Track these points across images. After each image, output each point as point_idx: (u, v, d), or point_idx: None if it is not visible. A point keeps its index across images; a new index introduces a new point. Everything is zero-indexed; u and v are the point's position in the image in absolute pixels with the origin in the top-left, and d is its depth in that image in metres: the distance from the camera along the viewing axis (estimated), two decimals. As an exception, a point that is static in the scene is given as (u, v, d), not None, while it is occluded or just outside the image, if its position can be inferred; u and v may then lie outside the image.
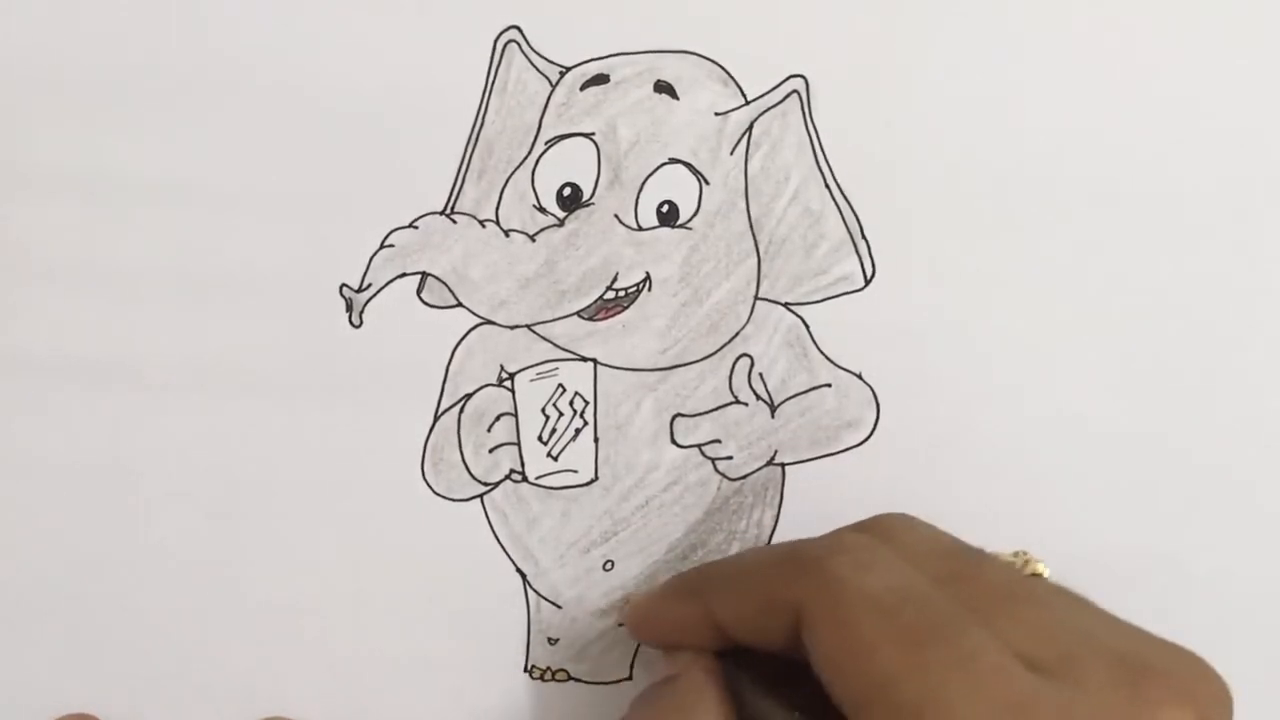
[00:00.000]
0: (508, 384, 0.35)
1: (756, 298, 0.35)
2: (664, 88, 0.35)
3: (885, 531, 0.30)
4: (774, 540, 0.35)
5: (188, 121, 0.35)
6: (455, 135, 0.35)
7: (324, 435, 0.35)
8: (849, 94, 0.35)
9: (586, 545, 0.35)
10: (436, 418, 0.35)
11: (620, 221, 0.35)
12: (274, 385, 0.35)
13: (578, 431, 0.35)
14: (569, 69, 0.35)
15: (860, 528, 0.31)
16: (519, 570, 0.35)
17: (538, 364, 0.35)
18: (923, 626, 0.26)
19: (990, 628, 0.26)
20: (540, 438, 0.35)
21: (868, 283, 0.35)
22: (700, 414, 0.35)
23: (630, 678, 0.36)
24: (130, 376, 0.35)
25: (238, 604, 0.35)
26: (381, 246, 0.34)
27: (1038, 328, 0.35)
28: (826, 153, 0.35)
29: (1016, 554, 0.31)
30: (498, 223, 0.35)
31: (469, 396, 0.35)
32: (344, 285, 0.35)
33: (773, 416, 0.35)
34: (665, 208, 0.35)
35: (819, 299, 0.35)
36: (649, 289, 0.35)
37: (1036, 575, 0.31)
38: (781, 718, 0.29)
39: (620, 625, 0.35)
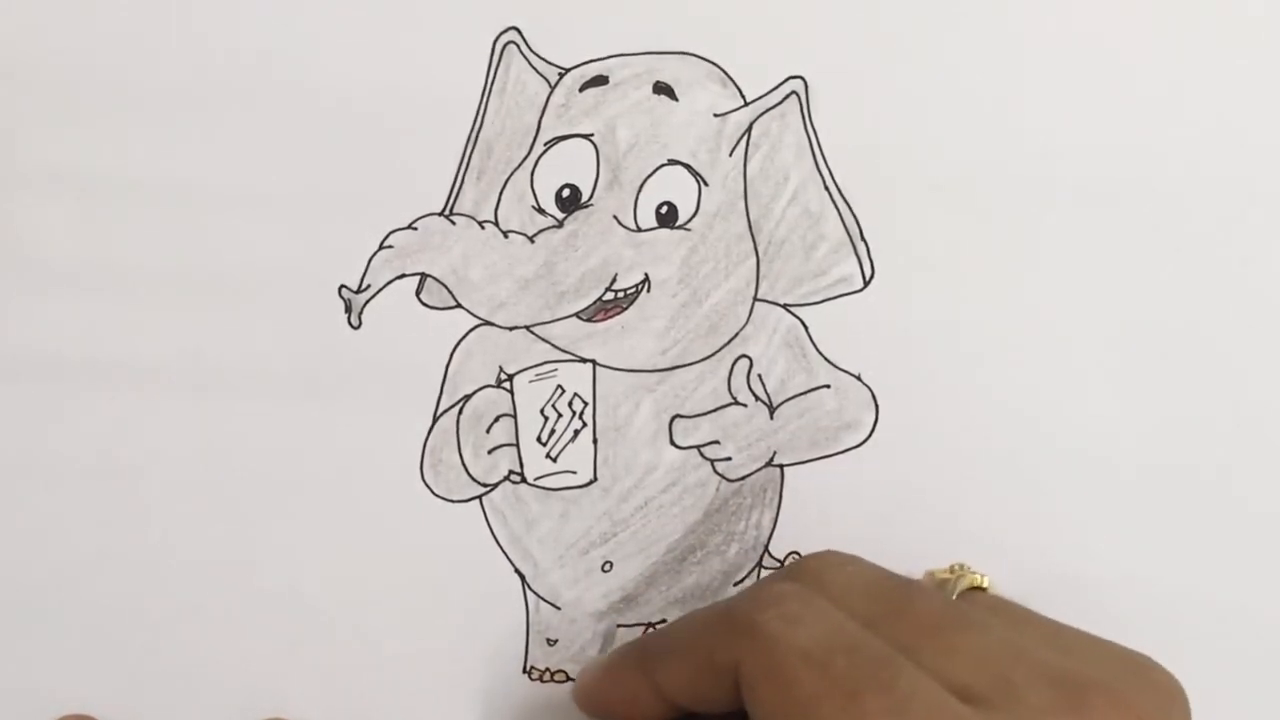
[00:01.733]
0: (507, 385, 0.35)
1: (755, 299, 0.35)
2: (663, 89, 0.35)
3: (814, 574, 0.30)
4: (772, 542, 0.35)
5: (188, 121, 0.35)
6: (454, 136, 0.35)
7: (323, 436, 0.35)
8: (848, 95, 0.35)
9: (585, 546, 0.35)
10: (435, 419, 0.35)
11: (619, 223, 0.35)
12: (274, 385, 0.35)
13: (577, 433, 0.35)
14: (568, 70, 0.35)
15: (788, 574, 0.31)
16: (518, 571, 0.35)
17: (537, 365, 0.35)
18: (856, 675, 0.26)
19: (925, 663, 0.26)
20: (539, 439, 0.35)
21: (867, 284, 0.35)
22: (699, 415, 0.35)
23: (629, 678, 0.36)
24: (130, 376, 0.35)
25: (237, 604, 0.35)
26: (380, 247, 0.34)
27: (1037, 329, 0.35)
28: (826, 154, 0.35)
29: (953, 568, 0.31)
30: (497, 224, 0.35)
31: (468, 397, 0.35)
32: (343, 286, 0.35)
33: (772, 418, 0.35)
34: (664, 209, 0.35)
35: (818, 300, 0.35)
36: (648, 290, 0.35)
37: (976, 588, 0.31)
38: None
39: (620, 626, 0.35)
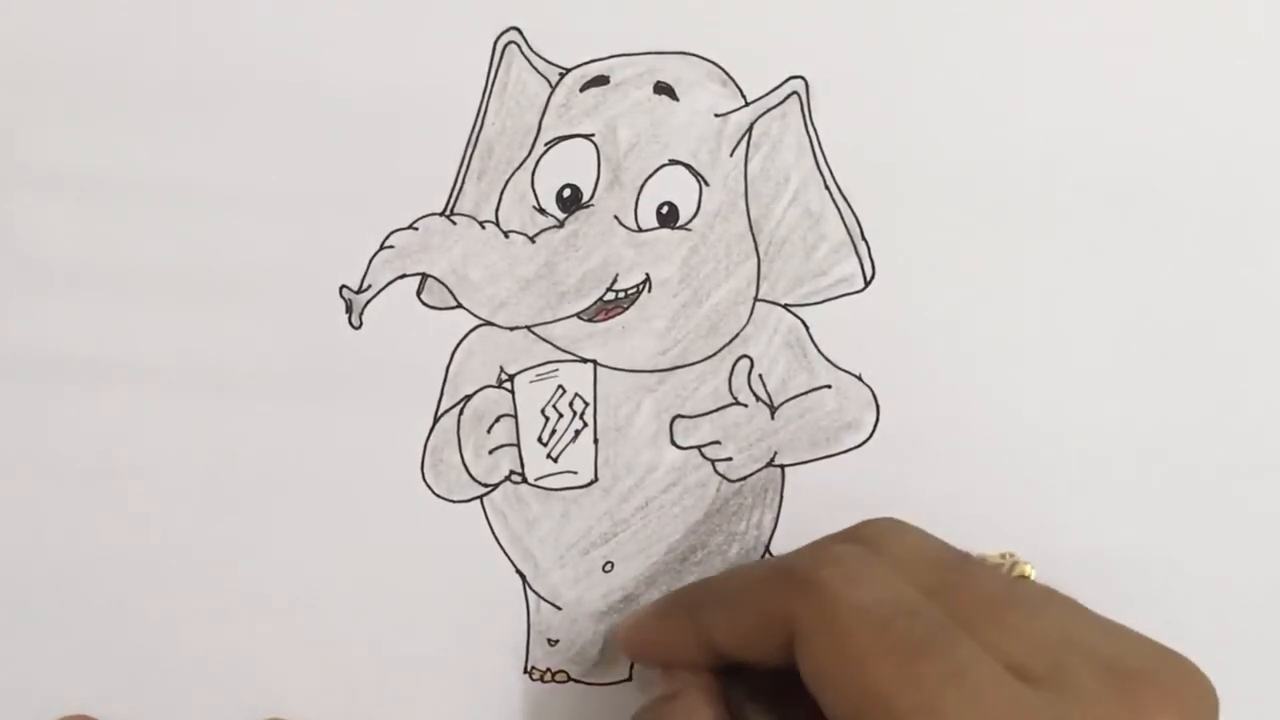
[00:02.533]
0: (507, 385, 0.35)
1: (756, 299, 0.35)
2: (664, 89, 0.35)
3: (874, 539, 0.30)
4: (773, 542, 0.35)
5: (188, 121, 0.35)
6: (455, 136, 0.35)
7: (324, 436, 0.35)
8: (849, 95, 0.35)
9: (586, 546, 0.35)
10: (436, 419, 0.35)
11: (620, 223, 0.35)
12: (274, 386, 0.35)
13: (577, 433, 0.35)
14: (569, 70, 0.35)
15: (849, 536, 0.31)
16: (519, 571, 0.35)
17: (537, 365, 0.35)
18: (915, 639, 0.26)
19: (981, 638, 0.26)
20: (540, 439, 0.35)
21: (868, 284, 0.35)
22: (700, 415, 0.35)
23: (630, 679, 0.36)
24: (130, 376, 0.35)
25: (238, 604, 0.35)
26: (381, 248, 0.34)
27: (1038, 329, 0.35)
28: (826, 154, 0.35)
29: (1004, 555, 0.31)
30: (497, 224, 0.35)
31: (469, 398, 0.35)
32: (344, 286, 0.35)
33: (772, 418, 0.35)
34: (665, 209, 0.35)
35: (819, 300, 0.35)
36: (649, 290, 0.35)
37: (1023, 577, 0.31)
38: None
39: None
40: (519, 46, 0.34)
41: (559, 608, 0.35)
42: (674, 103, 0.35)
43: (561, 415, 0.35)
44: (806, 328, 0.35)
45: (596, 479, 0.35)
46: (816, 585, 0.28)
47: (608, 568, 0.35)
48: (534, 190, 0.35)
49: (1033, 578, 0.31)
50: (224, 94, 0.35)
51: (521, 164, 0.35)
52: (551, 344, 0.35)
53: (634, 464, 0.35)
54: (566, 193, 0.35)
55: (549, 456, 0.35)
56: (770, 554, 0.35)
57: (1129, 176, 0.35)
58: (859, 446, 0.35)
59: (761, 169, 0.35)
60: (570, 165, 0.35)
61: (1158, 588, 0.35)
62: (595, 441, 0.35)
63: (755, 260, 0.35)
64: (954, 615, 0.27)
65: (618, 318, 0.35)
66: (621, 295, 0.35)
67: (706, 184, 0.35)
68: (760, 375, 0.35)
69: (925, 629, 0.26)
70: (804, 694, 0.28)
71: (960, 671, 0.26)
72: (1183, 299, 0.35)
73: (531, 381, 0.35)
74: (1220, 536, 0.35)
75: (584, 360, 0.35)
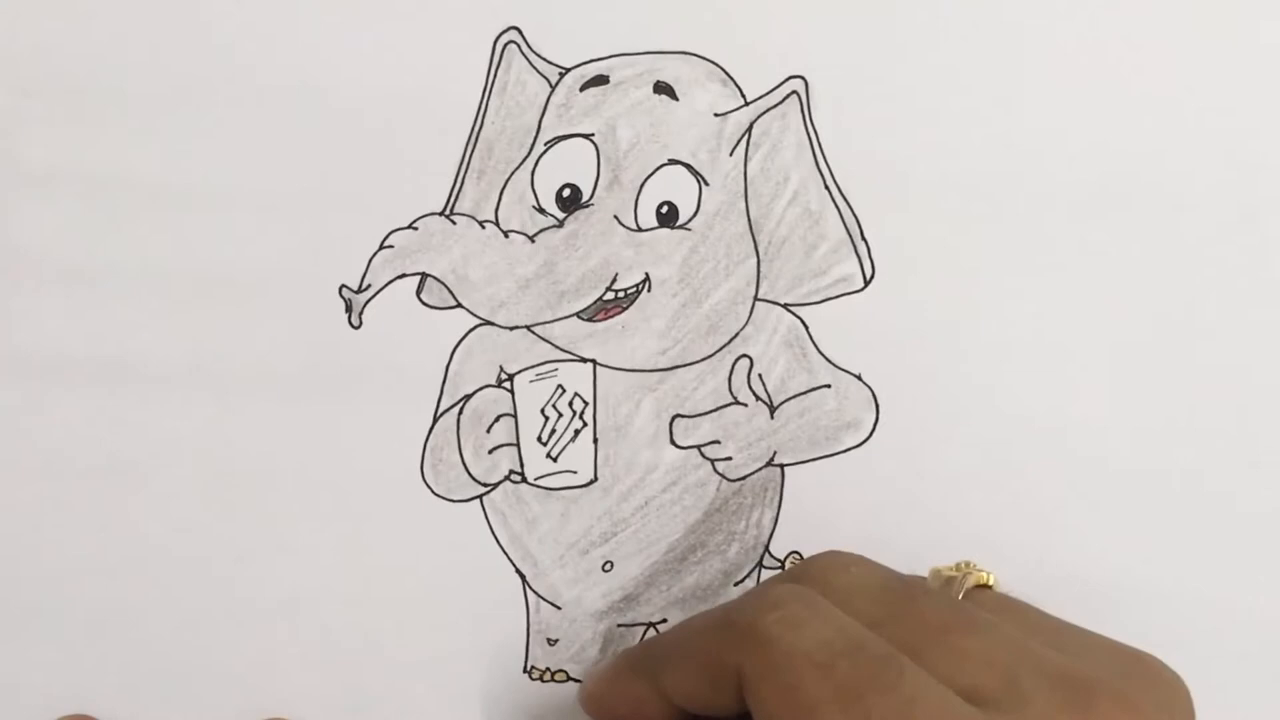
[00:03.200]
0: (507, 385, 0.35)
1: (756, 298, 0.35)
2: (663, 89, 0.35)
3: (818, 576, 0.30)
4: (773, 541, 0.35)
5: (188, 122, 0.35)
6: (455, 136, 0.35)
7: (324, 435, 0.35)
8: (849, 95, 0.35)
9: (586, 546, 0.35)
10: (436, 418, 0.35)
11: (620, 222, 0.35)
12: (274, 385, 0.35)
13: (577, 432, 0.35)
14: (568, 70, 0.35)
15: (792, 575, 0.31)
16: (518, 571, 0.35)
17: (537, 365, 0.35)
18: (860, 677, 0.26)
19: (931, 665, 0.26)
20: (540, 438, 0.35)
21: (867, 283, 0.35)
22: (700, 415, 0.35)
23: (629, 678, 0.36)
24: (130, 376, 0.35)
25: (238, 604, 0.35)
26: (381, 247, 0.34)
27: (1038, 328, 0.35)
28: (826, 153, 0.35)
29: (959, 565, 0.31)
30: (497, 223, 0.35)
31: (468, 397, 0.35)
32: (343, 286, 0.35)
33: (772, 417, 0.35)
34: (665, 209, 0.35)
35: (819, 300, 0.35)
36: (648, 290, 0.35)
37: (982, 585, 0.31)
38: None
39: (620, 626, 0.35)
40: (519, 46, 0.34)
41: (558, 607, 0.35)
42: (674, 102, 0.35)
43: (561, 415, 0.35)
44: (806, 327, 0.35)
45: (596, 478, 0.35)
46: (757, 633, 0.28)
47: (607, 567, 0.35)
48: (534, 190, 0.35)
49: (992, 583, 0.31)
50: (224, 94, 0.35)
51: (521, 163, 0.35)
52: (551, 343, 0.35)
53: (634, 463, 0.35)
54: (566, 192, 0.35)
55: (549, 456, 0.35)
56: (770, 553, 0.35)
57: (1129, 176, 0.35)
58: (858, 446, 0.35)
59: (761, 169, 0.35)
60: (570, 165, 0.35)
61: (1158, 587, 0.35)
62: (595, 441, 0.35)
63: (755, 260, 0.35)
64: (902, 644, 0.27)
65: (617, 317, 0.35)
66: (621, 295, 0.35)
67: (706, 184, 0.35)
68: (760, 375, 0.35)
69: (868, 665, 0.26)
70: None
71: (908, 704, 0.25)
72: (1183, 299, 0.35)
73: (531, 381, 0.35)
74: (1220, 536, 0.35)
75: (584, 360, 0.35)
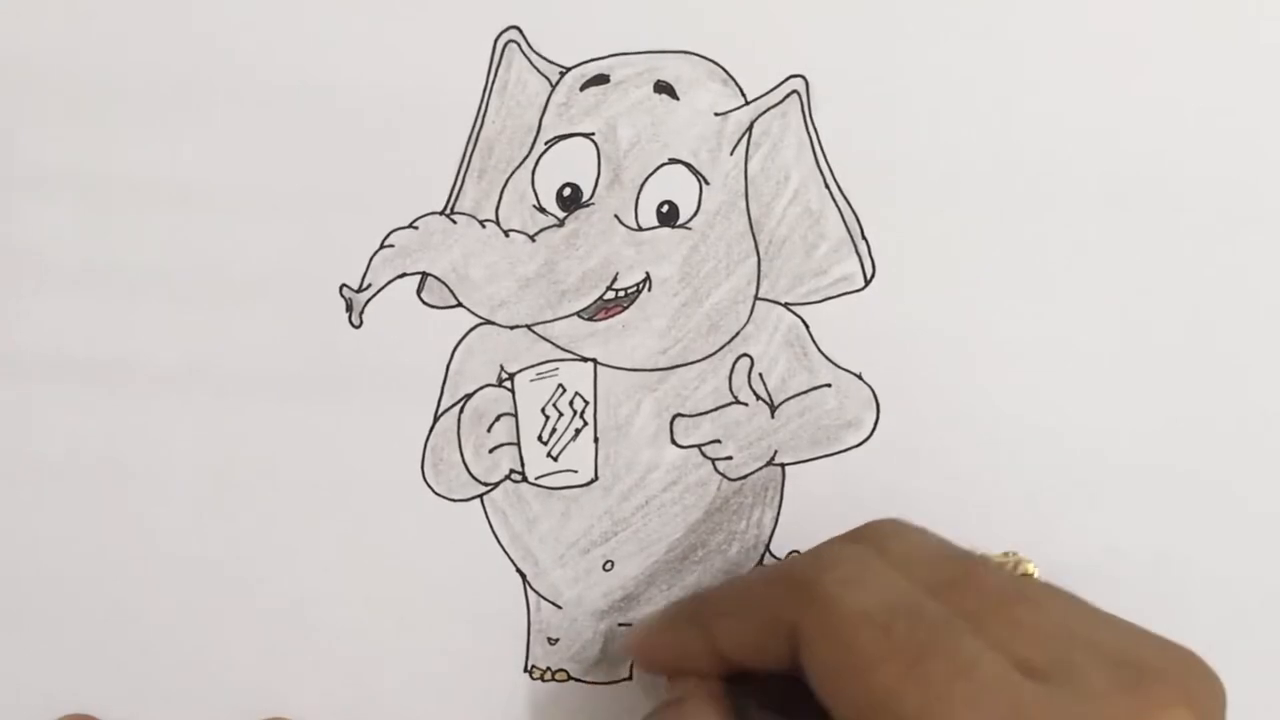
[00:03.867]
0: (508, 384, 0.35)
1: (756, 298, 0.35)
2: (664, 88, 0.35)
3: (877, 540, 0.30)
4: (773, 541, 0.35)
5: (188, 121, 0.35)
6: (455, 135, 0.35)
7: (324, 435, 0.35)
8: (849, 94, 0.35)
9: (586, 545, 0.35)
10: (436, 418, 0.35)
11: (620, 222, 0.35)
12: (274, 385, 0.35)
13: (578, 431, 0.35)
14: (569, 69, 0.35)
15: (851, 537, 0.31)
16: (519, 570, 0.35)
17: (538, 364, 0.35)
18: (918, 639, 0.26)
19: (987, 635, 0.26)
20: (540, 438, 0.35)
21: (868, 283, 0.35)
22: (700, 414, 0.35)
23: (630, 678, 0.36)
24: (130, 376, 0.35)
25: (238, 604, 0.35)
26: (381, 246, 0.34)
27: (1038, 328, 0.35)
28: (826, 153, 0.35)
29: (1006, 554, 0.31)
30: (498, 223, 0.35)
31: (469, 396, 0.35)
32: (344, 285, 0.35)
33: (773, 416, 0.35)
34: (665, 208, 0.35)
35: (819, 299, 0.35)
36: (649, 289, 0.35)
37: (1026, 575, 0.31)
38: None
39: (621, 625, 0.35)
40: (519, 45, 0.34)
41: (559, 607, 0.35)
42: (674, 102, 0.35)
43: (561, 414, 0.35)
44: (806, 326, 0.35)
45: (597, 478, 0.35)
46: (817, 591, 0.28)
47: (608, 566, 0.35)
48: (534, 189, 0.35)
49: (1036, 576, 0.31)
50: (224, 94, 0.35)
51: (522, 163, 0.35)
52: (552, 343, 0.35)
53: (634, 463, 0.35)
54: (567, 191, 0.35)
55: (549, 455, 0.35)
56: (770, 552, 0.35)
57: (1128, 176, 0.35)
58: (859, 445, 0.35)
59: (762, 168, 0.35)
60: (570, 164, 0.35)
61: (1157, 587, 0.35)
62: (595, 440, 0.35)
63: (755, 259, 0.35)
64: (958, 612, 0.27)
65: (618, 316, 0.35)
66: (621, 294, 0.35)
67: (707, 183, 0.35)
68: (760, 374, 0.35)
69: (928, 628, 0.26)
70: (809, 697, 0.28)
71: (966, 669, 0.25)
72: (1183, 298, 0.35)
73: (532, 380, 0.35)
74: (1220, 536, 0.35)
75: (584, 359, 0.35)
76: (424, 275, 0.35)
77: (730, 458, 0.35)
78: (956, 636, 0.26)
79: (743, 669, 0.30)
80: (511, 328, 0.35)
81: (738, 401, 0.35)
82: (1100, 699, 0.26)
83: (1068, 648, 0.26)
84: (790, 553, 0.35)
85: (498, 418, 0.35)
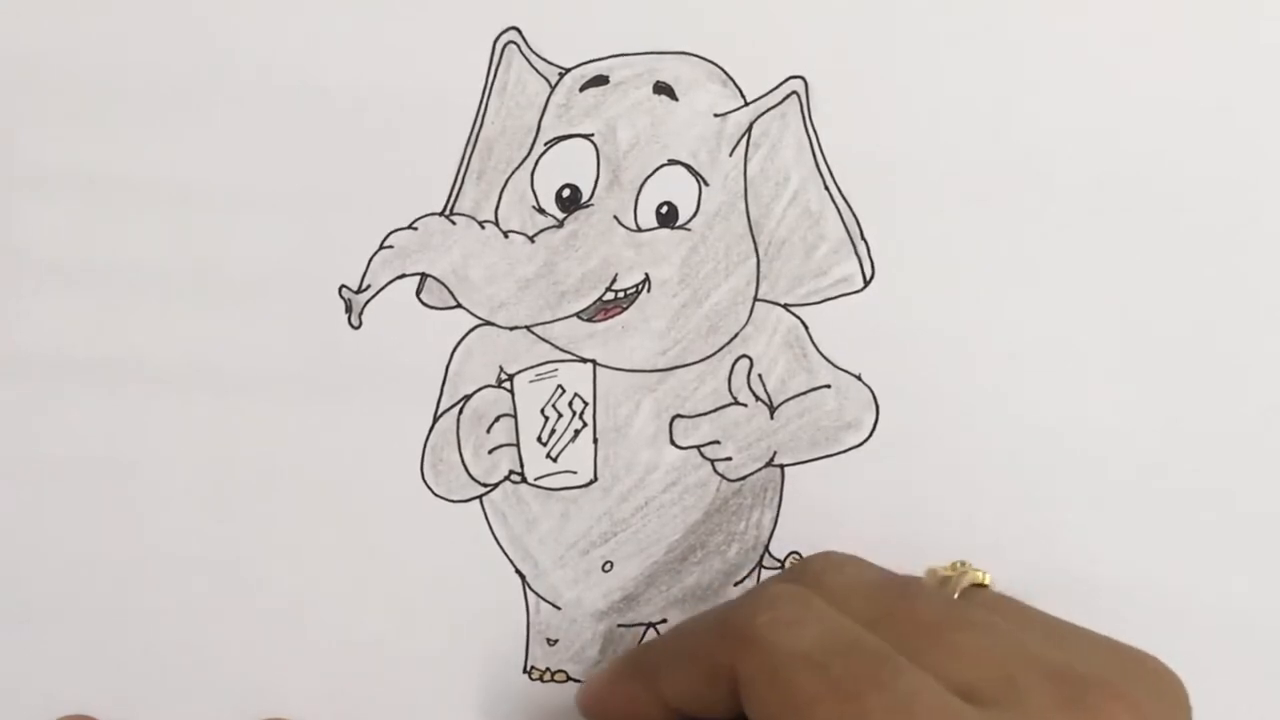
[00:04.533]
0: (507, 385, 0.35)
1: (756, 299, 0.35)
2: (663, 89, 0.35)
3: (812, 575, 0.30)
4: (773, 542, 0.35)
5: (188, 121, 0.35)
6: (455, 136, 0.35)
7: (324, 435, 0.35)
8: (849, 95, 0.35)
9: (586, 546, 0.35)
10: (436, 419, 0.35)
11: (619, 223, 0.35)
12: (274, 385, 0.35)
13: (577, 432, 0.35)
14: (568, 70, 0.35)
15: (787, 576, 0.31)
16: (518, 571, 0.35)
17: (537, 365, 0.35)
18: (856, 676, 0.26)
19: (925, 664, 0.26)
20: (539, 439, 0.35)
21: (867, 284, 0.35)
22: (699, 415, 0.35)
23: (629, 678, 0.36)
24: (130, 376, 0.35)
25: (237, 604, 0.35)
26: (381, 247, 0.34)
27: (1037, 329, 0.35)
28: (826, 154, 0.35)
29: (954, 566, 0.31)
30: (497, 224, 0.35)
31: (468, 397, 0.35)
32: (343, 286, 0.35)
33: (772, 417, 0.35)
34: (664, 209, 0.35)
35: (818, 300, 0.35)
36: (648, 290, 0.35)
37: (978, 585, 0.31)
38: None
39: (620, 626, 0.35)
40: (518, 46, 0.34)
41: (558, 607, 0.35)
42: (673, 103, 0.35)
43: (561, 415, 0.35)
44: (806, 327, 0.35)
45: (596, 479, 0.35)
46: (751, 633, 0.28)
47: (607, 567, 0.35)
48: (533, 190, 0.35)
49: (988, 583, 0.31)
50: (224, 94, 0.35)
51: (521, 164, 0.35)
52: (551, 344, 0.35)
53: (633, 464, 0.35)
54: (566, 192, 0.35)
55: (548, 456, 0.35)
56: (770, 553, 0.35)
57: (1128, 176, 0.35)
58: (858, 446, 0.35)
59: (761, 169, 0.35)
60: (570, 165, 0.35)
61: (1158, 587, 0.35)
62: (595, 441, 0.35)
63: (755, 260, 0.35)
64: (897, 643, 0.27)
65: (617, 318, 0.35)
66: (621, 295, 0.35)
67: (706, 184, 0.35)
68: (760, 375, 0.35)
69: (863, 664, 0.26)
70: None
71: (905, 703, 0.25)
72: (1183, 299, 0.35)
73: (531, 381, 0.35)
74: (1221, 536, 0.35)
75: (583, 360, 0.35)
76: (423, 276, 0.35)
77: (729, 459, 0.35)
78: (895, 670, 0.26)
79: (694, 717, 0.30)
80: (511, 329, 0.35)
81: (737, 403, 0.35)
82: (1043, 715, 0.25)
83: (1010, 668, 0.26)
84: (788, 555, 0.35)
85: (497, 419, 0.35)
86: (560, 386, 0.35)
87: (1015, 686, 0.26)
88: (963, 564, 0.31)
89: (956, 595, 0.30)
